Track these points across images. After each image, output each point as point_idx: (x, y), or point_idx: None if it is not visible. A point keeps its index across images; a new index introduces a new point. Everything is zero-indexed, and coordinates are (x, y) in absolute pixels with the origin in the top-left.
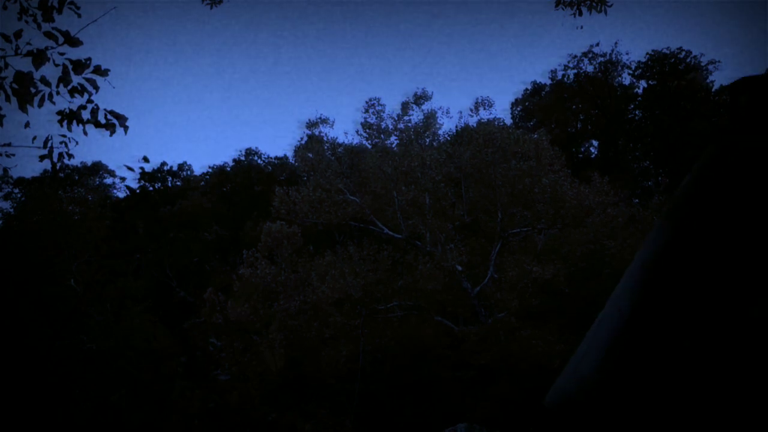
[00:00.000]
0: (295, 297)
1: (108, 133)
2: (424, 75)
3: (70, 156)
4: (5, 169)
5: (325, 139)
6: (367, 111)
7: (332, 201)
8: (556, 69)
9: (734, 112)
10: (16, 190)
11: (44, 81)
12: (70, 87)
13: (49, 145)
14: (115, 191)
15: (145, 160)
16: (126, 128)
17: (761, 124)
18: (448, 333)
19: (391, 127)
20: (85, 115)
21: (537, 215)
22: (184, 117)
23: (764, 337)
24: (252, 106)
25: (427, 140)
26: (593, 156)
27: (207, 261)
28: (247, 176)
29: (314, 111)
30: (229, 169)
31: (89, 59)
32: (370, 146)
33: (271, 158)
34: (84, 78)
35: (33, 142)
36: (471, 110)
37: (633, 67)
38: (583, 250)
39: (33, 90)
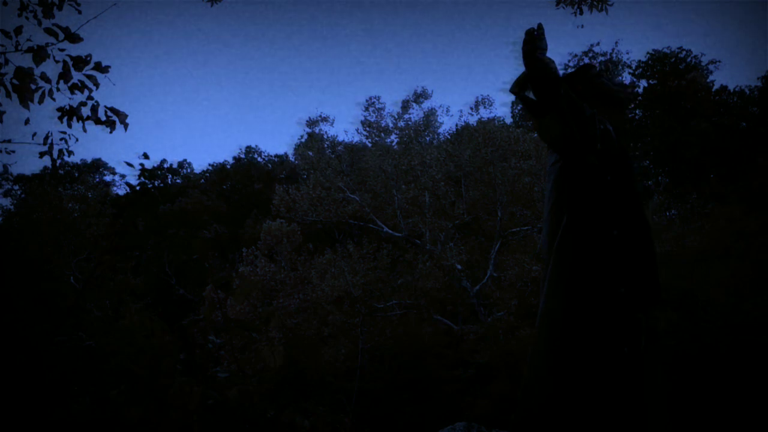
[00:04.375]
0: (295, 295)
1: (108, 130)
2: (424, 73)
3: (70, 153)
4: (5, 166)
5: (325, 137)
6: (367, 109)
7: (332, 199)
8: None
9: (523, 104)
10: (16, 187)
11: (44, 77)
12: (70, 83)
13: (49, 141)
14: (115, 188)
15: (145, 156)
16: (126, 125)
17: (544, 110)
18: (447, 332)
19: (391, 125)
20: (85, 111)
21: (537, 214)
22: (185, 114)
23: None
24: (252, 104)
25: (427, 138)
26: None
27: (206, 258)
28: (247, 174)
29: (314, 109)
30: (229, 166)
31: (89, 56)
32: (370, 144)
33: (271, 156)
34: (84, 74)
35: (33, 139)
36: (471, 109)
37: (633, 67)
38: None
39: (33, 86)
